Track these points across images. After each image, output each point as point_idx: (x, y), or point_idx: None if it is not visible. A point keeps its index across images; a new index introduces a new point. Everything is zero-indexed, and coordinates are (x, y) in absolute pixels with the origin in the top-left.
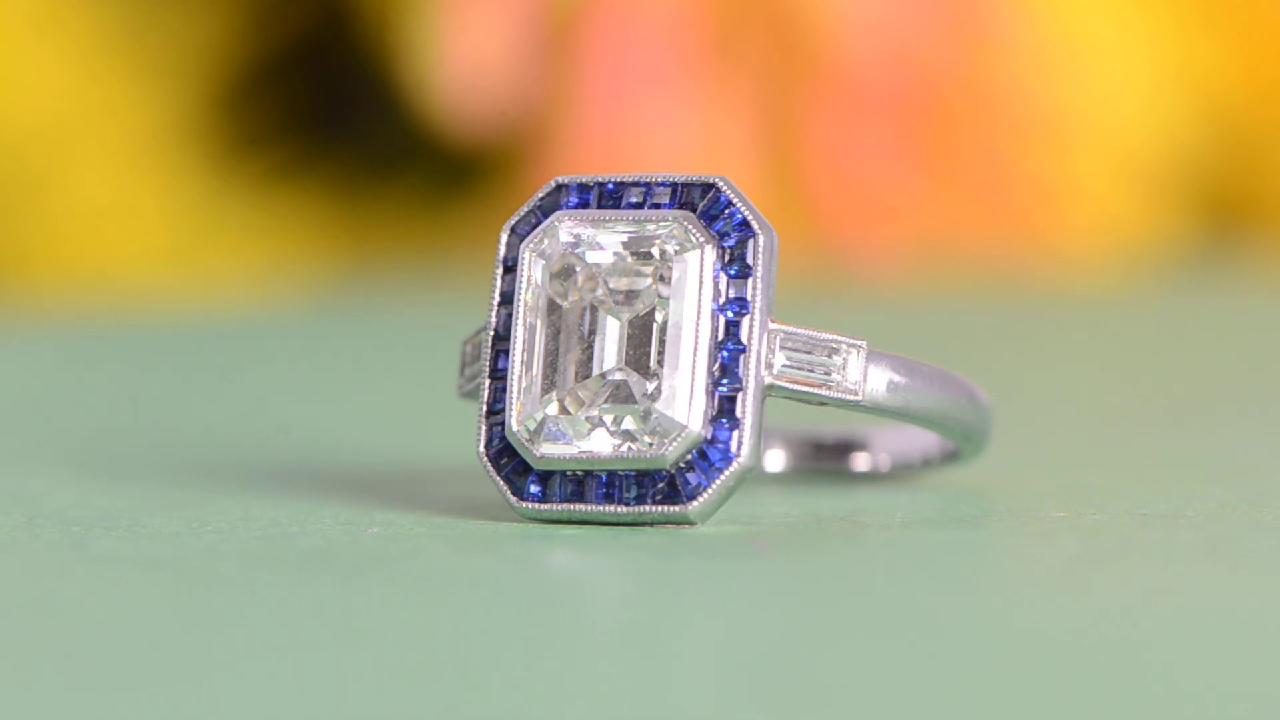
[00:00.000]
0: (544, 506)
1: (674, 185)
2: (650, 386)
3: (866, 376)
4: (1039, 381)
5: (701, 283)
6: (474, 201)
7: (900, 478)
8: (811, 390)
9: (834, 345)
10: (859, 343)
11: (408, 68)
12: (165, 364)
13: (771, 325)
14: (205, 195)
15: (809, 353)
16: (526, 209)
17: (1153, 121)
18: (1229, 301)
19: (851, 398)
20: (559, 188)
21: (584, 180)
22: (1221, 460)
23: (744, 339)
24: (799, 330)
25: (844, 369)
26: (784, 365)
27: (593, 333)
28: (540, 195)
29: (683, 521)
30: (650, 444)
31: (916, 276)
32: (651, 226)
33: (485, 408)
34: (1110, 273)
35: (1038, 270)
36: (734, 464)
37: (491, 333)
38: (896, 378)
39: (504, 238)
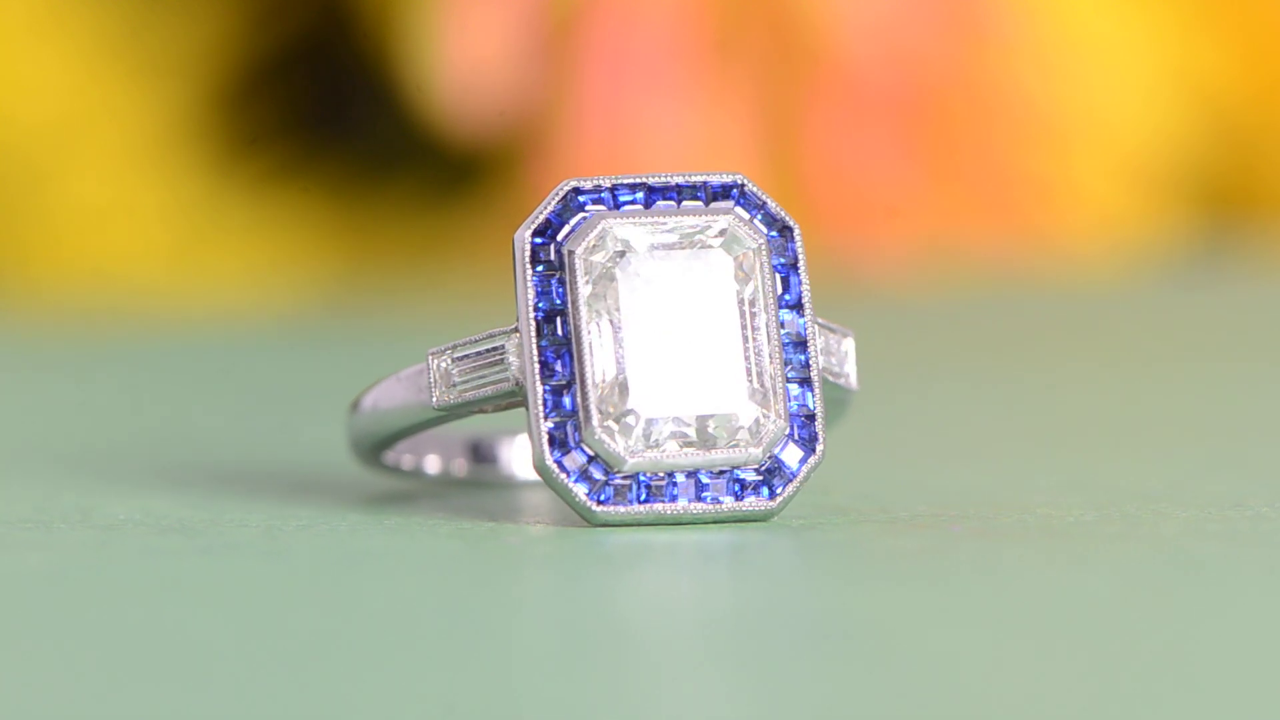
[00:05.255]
0: (620, 509)
1: (702, 184)
2: (729, 385)
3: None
4: (1035, 379)
5: (767, 279)
6: (474, 201)
7: None
8: (834, 381)
9: (838, 335)
10: (849, 331)
11: (408, 68)
12: (165, 363)
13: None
14: (205, 195)
15: (828, 343)
16: (545, 212)
17: (1153, 121)
18: (1228, 301)
19: (851, 386)
20: (574, 190)
21: (599, 181)
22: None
23: (803, 333)
24: (825, 322)
25: (844, 358)
26: (822, 357)
27: (664, 335)
28: (556, 198)
29: (764, 517)
30: (736, 442)
31: (916, 276)
32: (702, 224)
33: (540, 413)
34: (1110, 272)
35: (1037, 270)
36: (814, 457)
37: (533, 338)
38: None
39: (527, 239)
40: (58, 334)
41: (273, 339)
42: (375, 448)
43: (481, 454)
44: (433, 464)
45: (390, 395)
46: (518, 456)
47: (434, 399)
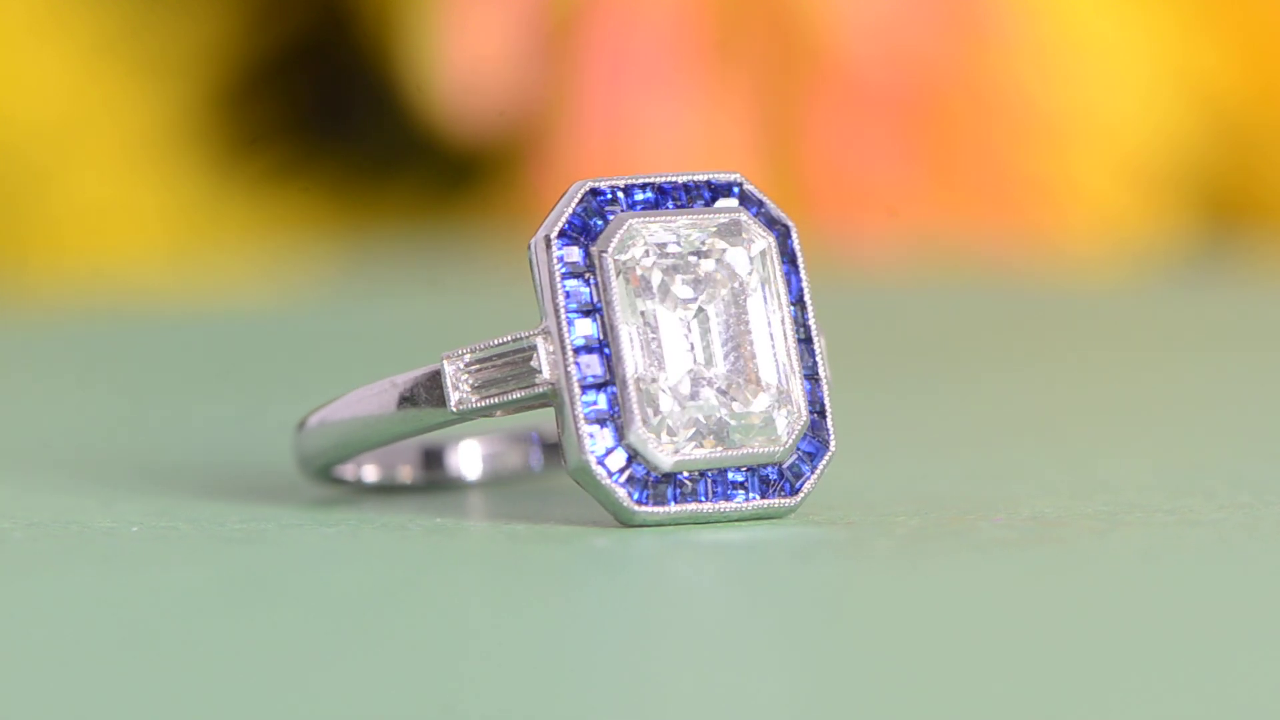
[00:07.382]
0: (658, 510)
1: (705, 183)
2: (760, 383)
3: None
4: (1035, 378)
5: (779, 277)
6: (474, 201)
7: None
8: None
9: (818, 330)
10: (820, 328)
11: (408, 68)
12: (165, 363)
13: None
14: (205, 194)
15: (820, 340)
16: (567, 213)
17: (1153, 121)
18: (1227, 300)
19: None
20: (592, 191)
21: (615, 182)
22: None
23: (809, 330)
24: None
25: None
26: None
27: (693, 334)
28: (575, 199)
29: (785, 514)
30: (763, 439)
31: (916, 275)
32: (719, 222)
33: (579, 414)
34: (1109, 272)
35: (1037, 269)
36: (828, 453)
37: (567, 339)
38: None
39: (553, 240)
40: (58, 334)
41: (273, 338)
42: (340, 460)
43: (431, 459)
44: (371, 473)
45: (383, 401)
46: (464, 460)
47: (452, 404)
